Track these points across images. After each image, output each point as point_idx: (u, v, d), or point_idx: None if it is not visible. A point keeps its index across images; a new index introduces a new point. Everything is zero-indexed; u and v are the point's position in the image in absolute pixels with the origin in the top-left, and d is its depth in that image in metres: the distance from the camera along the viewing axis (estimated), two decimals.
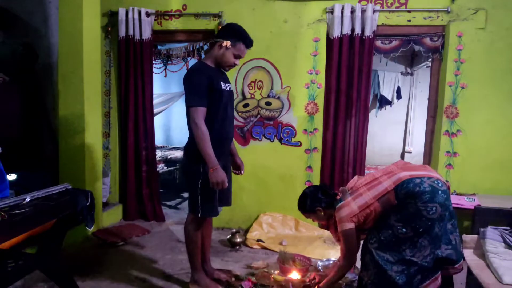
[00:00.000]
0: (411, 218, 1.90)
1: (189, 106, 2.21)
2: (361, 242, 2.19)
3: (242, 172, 2.64)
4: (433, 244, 1.92)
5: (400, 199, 1.94)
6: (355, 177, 2.23)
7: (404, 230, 1.92)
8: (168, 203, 4.79)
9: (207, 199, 2.32)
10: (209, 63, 2.33)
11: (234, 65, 2.36)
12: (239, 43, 2.29)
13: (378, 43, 3.60)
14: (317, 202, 2.25)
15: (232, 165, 2.61)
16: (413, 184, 1.92)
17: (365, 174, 2.36)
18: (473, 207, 2.72)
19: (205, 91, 2.22)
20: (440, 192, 1.90)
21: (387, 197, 1.98)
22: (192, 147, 2.26)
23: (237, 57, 2.33)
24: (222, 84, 2.32)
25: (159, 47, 4.20)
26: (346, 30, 3.46)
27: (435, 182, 1.93)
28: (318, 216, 2.29)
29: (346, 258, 2.14)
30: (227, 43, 2.26)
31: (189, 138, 2.35)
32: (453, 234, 1.99)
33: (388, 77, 6.01)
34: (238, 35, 2.30)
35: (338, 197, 2.22)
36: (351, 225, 2.04)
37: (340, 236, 2.11)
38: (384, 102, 6.12)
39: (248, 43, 2.33)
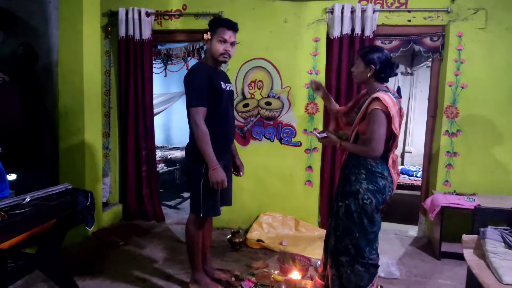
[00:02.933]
0: (349, 195, 2.11)
1: (189, 106, 2.22)
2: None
3: (241, 173, 2.65)
4: (359, 236, 2.09)
5: (362, 158, 2.09)
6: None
7: (340, 204, 2.16)
8: (168, 203, 4.79)
9: (209, 199, 2.32)
10: (209, 63, 2.34)
11: (226, 52, 2.27)
12: (219, 28, 2.24)
13: (378, 43, 3.60)
14: (378, 63, 2.08)
15: (232, 166, 2.61)
16: (380, 170, 2.07)
17: None
18: (473, 207, 2.72)
19: (205, 91, 2.22)
20: (383, 196, 2.08)
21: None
22: (193, 147, 2.26)
23: (223, 41, 2.25)
24: (222, 84, 2.33)
25: (159, 47, 4.21)
26: (346, 30, 3.46)
27: (390, 188, 2.11)
28: (363, 71, 2.12)
29: (370, 142, 2.00)
30: (206, 35, 2.27)
31: (190, 138, 2.35)
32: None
33: None
34: (215, 23, 2.29)
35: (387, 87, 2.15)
36: (383, 109, 1.97)
37: (369, 117, 2.01)
38: None
39: (227, 24, 2.26)
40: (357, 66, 2.17)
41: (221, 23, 2.27)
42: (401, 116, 2.09)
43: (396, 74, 2.20)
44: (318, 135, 2.28)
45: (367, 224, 2.07)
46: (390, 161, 2.11)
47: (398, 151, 6.57)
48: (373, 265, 2.12)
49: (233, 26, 2.29)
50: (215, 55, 2.29)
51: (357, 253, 2.09)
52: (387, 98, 1.99)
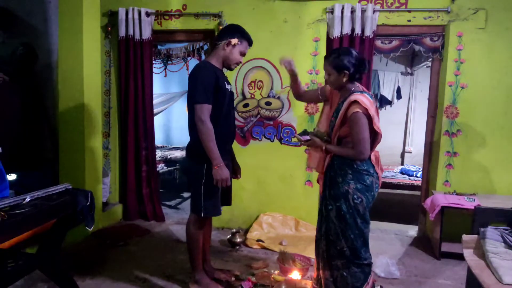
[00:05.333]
0: (338, 197, 2.10)
1: (195, 103, 2.20)
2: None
3: (238, 176, 2.66)
4: (354, 237, 2.09)
5: (347, 159, 2.09)
6: None
7: (330, 207, 2.14)
8: (168, 203, 4.79)
9: (210, 199, 2.32)
10: (214, 63, 2.34)
11: (240, 62, 2.42)
12: (244, 41, 2.36)
13: (378, 43, 3.60)
14: (350, 66, 2.05)
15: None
16: (366, 168, 2.08)
17: None
18: (473, 207, 2.72)
19: (211, 89, 2.23)
20: (372, 193, 2.09)
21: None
22: (195, 146, 2.27)
23: (242, 54, 2.38)
24: (226, 84, 2.34)
25: (159, 47, 4.20)
26: (346, 30, 3.46)
27: (377, 184, 2.13)
28: (337, 78, 2.10)
29: (357, 146, 2.00)
30: (234, 41, 2.30)
31: (191, 137, 2.35)
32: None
33: (388, 77, 6.01)
34: (243, 34, 2.36)
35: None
36: (362, 111, 1.97)
37: (351, 121, 2.00)
38: (384, 102, 6.13)
39: (250, 42, 2.41)
40: (329, 74, 2.15)
41: (247, 39, 2.38)
42: (377, 114, 2.11)
43: (368, 70, 2.19)
44: (301, 138, 2.25)
45: (361, 224, 2.08)
46: (373, 158, 2.12)
47: (398, 151, 6.59)
48: (367, 265, 2.12)
49: (252, 44, 2.43)
50: (231, 61, 2.36)
51: (352, 254, 2.09)
52: (364, 100, 2.00)
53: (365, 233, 2.11)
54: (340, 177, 2.10)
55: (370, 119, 2.00)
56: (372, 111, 2.00)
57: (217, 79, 2.25)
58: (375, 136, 2.09)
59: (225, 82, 2.35)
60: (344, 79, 2.10)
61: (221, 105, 2.29)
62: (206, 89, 2.21)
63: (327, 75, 2.17)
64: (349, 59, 2.07)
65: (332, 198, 2.13)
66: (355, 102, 2.00)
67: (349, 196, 2.06)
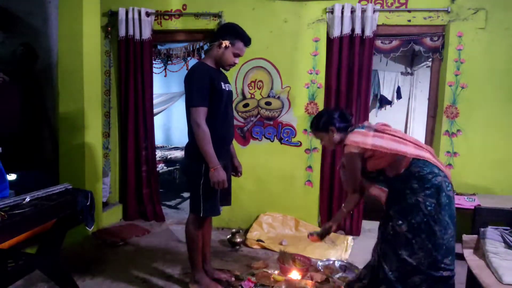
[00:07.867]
0: (409, 210, 1.89)
1: (190, 106, 2.22)
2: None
3: (239, 174, 2.66)
4: (432, 247, 1.84)
5: (406, 175, 1.92)
6: (384, 122, 2.15)
7: (400, 222, 1.89)
8: (168, 203, 4.79)
9: (209, 199, 2.32)
10: (209, 63, 2.33)
11: (234, 64, 2.35)
12: (238, 42, 2.29)
13: (378, 43, 3.60)
14: (333, 122, 2.18)
15: (231, 166, 2.61)
16: (429, 170, 1.90)
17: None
18: (473, 207, 2.71)
19: (207, 91, 2.22)
20: (444, 194, 1.87)
21: (400, 161, 1.95)
22: (193, 147, 2.27)
23: (237, 55, 2.32)
24: (222, 85, 2.33)
25: (159, 47, 4.20)
26: (346, 30, 3.46)
27: (447, 183, 1.91)
28: (329, 138, 2.21)
29: (345, 184, 2.13)
30: (225, 43, 2.26)
31: (189, 138, 2.35)
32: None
33: (388, 77, 6.01)
34: (236, 34, 2.30)
35: (353, 125, 2.21)
36: (355, 150, 2.00)
37: (343, 160, 2.09)
38: (384, 102, 6.13)
39: (247, 41, 2.33)
40: (321, 139, 2.26)
41: (242, 39, 2.30)
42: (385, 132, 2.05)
43: (350, 120, 2.21)
44: (316, 235, 2.36)
45: (439, 231, 1.86)
46: (431, 158, 1.97)
47: None
48: (448, 277, 1.90)
49: (249, 43, 2.35)
50: (224, 63, 2.32)
51: (430, 267, 1.87)
52: (352, 137, 2.03)
53: (444, 240, 1.87)
54: (407, 189, 1.94)
55: (365, 149, 2.00)
56: (366, 142, 1.98)
57: (212, 80, 2.24)
58: (391, 156, 1.97)
59: (222, 82, 2.33)
60: (334, 135, 2.18)
61: (217, 105, 2.29)
62: (201, 91, 2.20)
63: (321, 141, 2.29)
64: (328, 116, 2.20)
65: (399, 213, 1.93)
66: (345, 145, 2.08)
67: (421, 205, 1.88)
